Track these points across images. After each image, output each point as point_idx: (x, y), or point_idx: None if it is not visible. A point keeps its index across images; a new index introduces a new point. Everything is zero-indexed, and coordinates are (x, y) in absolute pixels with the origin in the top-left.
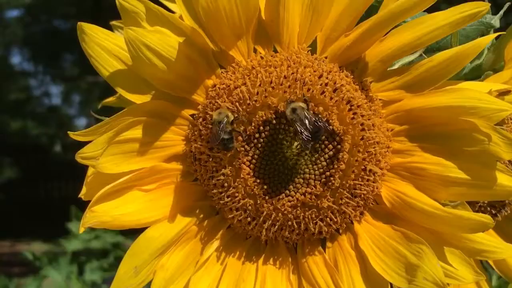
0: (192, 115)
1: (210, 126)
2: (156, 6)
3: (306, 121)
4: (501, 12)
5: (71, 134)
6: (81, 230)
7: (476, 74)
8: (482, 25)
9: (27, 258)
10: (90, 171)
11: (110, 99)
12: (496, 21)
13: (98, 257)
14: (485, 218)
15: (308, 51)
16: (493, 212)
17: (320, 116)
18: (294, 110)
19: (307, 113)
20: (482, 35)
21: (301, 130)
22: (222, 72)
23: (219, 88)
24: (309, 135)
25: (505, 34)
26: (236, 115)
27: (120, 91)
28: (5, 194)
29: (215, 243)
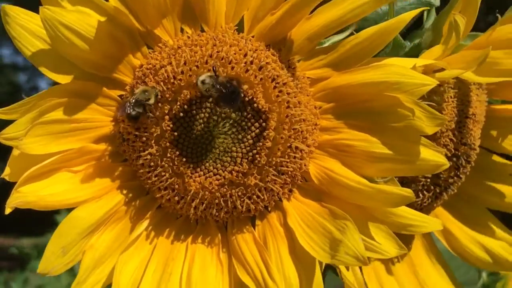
0: (120, 96)
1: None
2: None
3: (217, 85)
4: None
5: None
6: (7, 211)
7: (415, 52)
8: (421, 4)
9: (16, 253)
10: (16, 152)
11: None
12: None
13: None
14: (406, 191)
15: (234, 30)
16: (438, 190)
17: (232, 78)
18: (203, 82)
19: (217, 78)
20: (422, 14)
21: (217, 95)
22: (149, 52)
23: (145, 68)
24: (225, 93)
25: (443, 12)
26: (158, 101)
27: (44, 71)
28: None
29: (145, 223)
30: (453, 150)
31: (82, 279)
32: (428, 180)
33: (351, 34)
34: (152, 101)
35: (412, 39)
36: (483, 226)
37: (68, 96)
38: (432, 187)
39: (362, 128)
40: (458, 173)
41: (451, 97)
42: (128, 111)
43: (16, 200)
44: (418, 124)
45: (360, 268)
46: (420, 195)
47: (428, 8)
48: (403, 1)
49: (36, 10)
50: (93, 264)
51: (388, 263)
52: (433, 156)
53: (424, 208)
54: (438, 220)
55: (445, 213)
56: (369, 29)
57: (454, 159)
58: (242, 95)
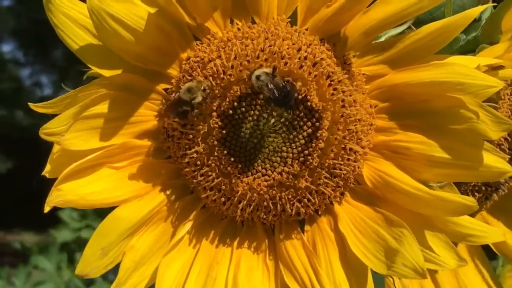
0: (165, 89)
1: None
2: None
3: (272, 86)
4: None
5: (32, 106)
6: (46, 209)
7: (472, 46)
8: None
9: (18, 248)
10: (56, 148)
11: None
12: None
13: None
14: (469, 200)
15: (287, 23)
16: (489, 191)
17: (289, 80)
18: (258, 77)
19: (273, 78)
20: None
21: (269, 95)
22: (197, 44)
23: (193, 61)
24: (277, 97)
25: (502, 5)
26: (206, 99)
27: (89, 62)
28: None
29: (188, 224)
30: (507, 150)
31: (122, 281)
32: (479, 183)
33: (409, 27)
34: (199, 99)
35: (467, 32)
36: None
37: (111, 89)
38: (483, 188)
39: (420, 129)
40: None
41: (507, 94)
42: (174, 111)
43: (56, 198)
44: (482, 128)
45: None
46: (470, 195)
47: (488, 6)
48: None
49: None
50: (133, 265)
51: None
52: (496, 163)
53: None
54: (499, 231)
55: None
56: (432, 24)
57: (507, 158)
58: (296, 95)
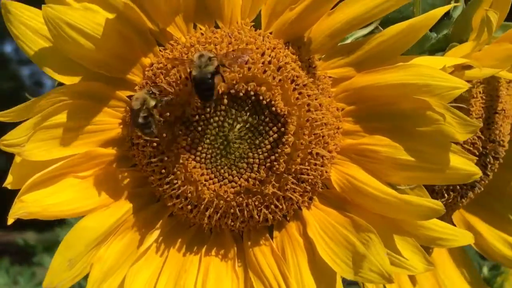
0: (129, 97)
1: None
2: None
3: (202, 70)
4: None
5: None
6: (10, 221)
7: (442, 45)
8: None
9: (20, 247)
10: (18, 158)
11: None
12: None
13: None
14: (436, 204)
15: (251, 27)
16: (463, 190)
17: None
18: (200, 56)
19: (207, 65)
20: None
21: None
22: (160, 50)
23: (156, 67)
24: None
25: (471, 3)
26: (158, 99)
27: (48, 71)
28: None
29: (155, 233)
30: (480, 148)
31: None
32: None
33: (376, 28)
34: (151, 103)
35: (438, 30)
36: (509, 223)
37: (73, 98)
38: (457, 187)
39: (387, 131)
40: (486, 171)
41: (479, 92)
42: (137, 121)
43: (19, 211)
44: (449, 130)
45: None
46: (445, 194)
47: (458, 3)
48: None
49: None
50: (101, 277)
51: None
52: (464, 165)
53: (449, 207)
54: (469, 233)
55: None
56: (397, 25)
57: (482, 157)
58: (259, 98)
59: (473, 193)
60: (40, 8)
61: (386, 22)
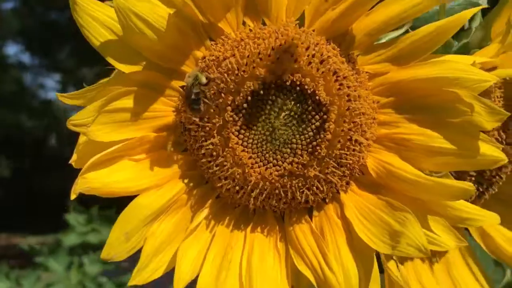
0: (181, 86)
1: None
2: None
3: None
4: None
5: (59, 96)
6: (73, 196)
7: (463, 51)
8: (469, 4)
9: (24, 250)
10: (81, 139)
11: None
12: (483, 0)
13: (95, 250)
14: (467, 185)
15: (296, 24)
16: (481, 189)
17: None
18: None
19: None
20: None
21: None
22: (211, 44)
23: (208, 59)
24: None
25: (492, 12)
26: (209, 77)
27: (111, 60)
28: (0, 187)
29: (205, 211)
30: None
31: (143, 266)
32: (473, 178)
33: (407, 31)
34: (203, 80)
35: (458, 38)
36: None
37: (132, 85)
38: (476, 186)
39: (420, 122)
40: (500, 172)
41: (497, 97)
42: (188, 97)
43: (82, 186)
44: (478, 119)
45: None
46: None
47: (479, 8)
48: (452, 1)
49: None
50: (153, 251)
51: (427, 261)
52: (491, 151)
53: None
54: (495, 214)
55: None
56: (428, 26)
57: (501, 147)
58: (305, 88)
59: (488, 194)
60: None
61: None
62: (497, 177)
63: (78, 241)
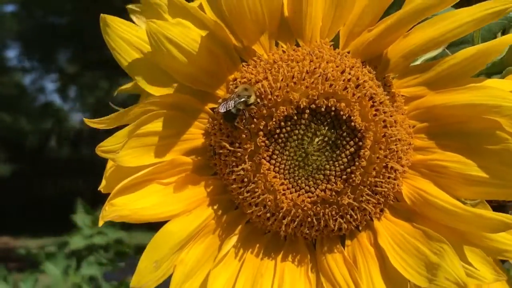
0: (212, 109)
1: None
2: None
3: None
4: None
5: (87, 121)
6: (101, 223)
7: (497, 69)
8: (505, 20)
9: (23, 254)
10: (109, 164)
11: (127, 85)
12: None
13: (100, 252)
14: (507, 218)
15: (330, 46)
16: None
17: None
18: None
19: (238, 103)
20: (504, 29)
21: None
22: (243, 65)
23: (239, 82)
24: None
25: None
26: (257, 101)
27: (140, 82)
28: (0, 190)
29: (234, 238)
30: None
31: None
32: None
33: (443, 51)
34: (252, 99)
35: None
36: None
37: (162, 108)
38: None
39: (456, 149)
40: None
41: None
42: (229, 107)
43: (111, 214)
44: None
45: None
46: None
47: None
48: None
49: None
50: (183, 278)
51: None
52: None
53: None
54: None
55: None
56: (468, 49)
57: None
58: (338, 113)
59: None
60: (129, 20)
61: (448, 46)
62: None
63: (84, 243)
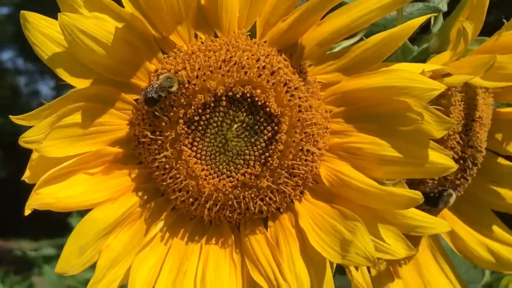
0: (135, 100)
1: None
2: None
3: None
4: None
5: (13, 118)
6: (27, 212)
7: (423, 57)
8: (428, 9)
9: (18, 256)
10: (35, 155)
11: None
12: (443, 5)
13: None
14: (415, 194)
15: (247, 36)
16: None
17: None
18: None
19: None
20: (430, 19)
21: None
22: (164, 57)
23: (160, 73)
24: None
25: (450, 17)
26: (178, 91)
27: (61, 74)
28: None
29: (160, 224)
30: (460, 153)
31: (98, 279)
32: (435, 182)
33: (361, 39)
34: (175, 88)
35: (420, 43)
36: (487, 227)
37: (85, 100)
38: (440, 188)
39: (371, 131)
40: (465, 175)
41: (458, 101)
42: (150, 95)
43: (35, 202)
44: (427, 128)
45: (368, 269)
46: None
47: (436, 14)
48: (411, 6)
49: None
50: (109, 263)
51: (395, 263)
52: (441, 159)
53: (432, 210)
54: (445, 222)
55: (451, 215)
56: (378, 35)
57: (461, 161)
58: (254, 99)
59: (458, 192)
60: (54, 18)
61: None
62: (461, 179)
63: None
